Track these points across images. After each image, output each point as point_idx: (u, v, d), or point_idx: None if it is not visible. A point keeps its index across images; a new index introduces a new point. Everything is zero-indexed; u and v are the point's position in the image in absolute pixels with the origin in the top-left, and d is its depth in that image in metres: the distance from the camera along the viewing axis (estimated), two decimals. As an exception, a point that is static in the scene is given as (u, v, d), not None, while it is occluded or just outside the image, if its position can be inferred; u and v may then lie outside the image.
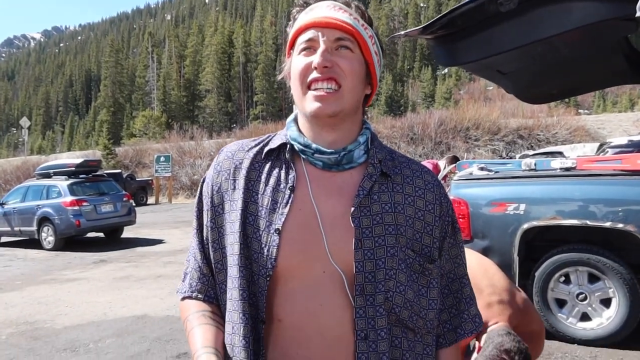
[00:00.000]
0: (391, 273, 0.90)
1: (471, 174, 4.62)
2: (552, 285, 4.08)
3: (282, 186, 0.95)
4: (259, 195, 0.96)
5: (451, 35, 1.57)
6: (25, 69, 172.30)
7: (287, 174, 0.96)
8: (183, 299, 1.03)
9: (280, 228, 0.91)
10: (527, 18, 1.46)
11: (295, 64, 0.95)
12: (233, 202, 0.97)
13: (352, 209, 0.91)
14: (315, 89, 0.92)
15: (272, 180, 0.96)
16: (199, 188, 1.06)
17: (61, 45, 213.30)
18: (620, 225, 3.77)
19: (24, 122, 34.57)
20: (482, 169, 4.65)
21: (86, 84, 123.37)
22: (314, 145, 0.95)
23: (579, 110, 39.70)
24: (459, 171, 5.05)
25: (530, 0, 1.42)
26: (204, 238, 1.02)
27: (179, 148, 26.75)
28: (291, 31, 0.98)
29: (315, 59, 0.91)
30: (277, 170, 0.98)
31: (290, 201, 0.93)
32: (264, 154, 1.00)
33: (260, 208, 0.94)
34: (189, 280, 1.03)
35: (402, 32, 1.66)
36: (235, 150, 1.03)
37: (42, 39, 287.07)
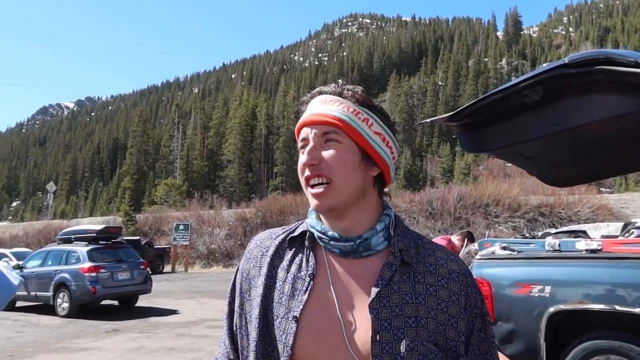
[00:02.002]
0: None
1: (494, 253, 4.54)
2: (583, 374, 3.86)
3: (302, 273, 0.96)
4: (281, 282, 0.97)
5: (476, 123, 1.63)
6: (56, 136, 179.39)
7: (307, 261, 0.97)
8: None
9: (297, 315, 0.91)
10: (551, 109, 1.51)
11: (298, 162, 1.00)
12: (257, 289, 0.99)
13: (370, 299, 0.90)
14: (312, 186, 0.95)
15: (293, 268, 0.98)
16: (234, 275, 1.09)
17: (92, 114, 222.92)
18: (651, 312, 3.62)
19: (50, 186, 35.58)
20: (504, 248, 4.57)
21: (113, 152, 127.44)
22: (330, 233, 0.96)
23: (601, 189, 39.32)
24: (481, 249, 4.98)
25: (554, 92, 1.48)
26: (234, 324, 1.03)
27: (198, 217, 26.97)
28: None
29: (303, 158, 0.96)
30: (299, 257, 0.99)
31: (309, 288, 0.93)
32: (287, 241, 1.02)
33: (281, 295, 0.95)
34: None
35: (429, 120, 1.73)
36: (264, 238, 1.06)
37: (75, 108, 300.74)
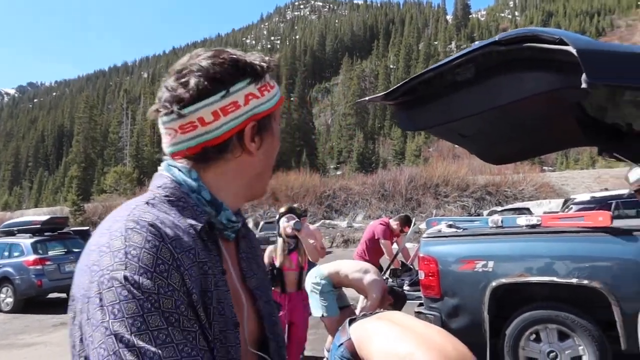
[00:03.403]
0: (277, 327, 0.93)
1: (440, 231, 4.67)
2: (523, 343, 4.06)
3: (217, 270, 0.80)
4: (212, 285, 0.78)
5: (412, 101, 1.64)
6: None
7: (217, 254, 0.82)
8: None
9: (238, 321, 0.79)
10: (483, 86, 1.54)
11: (276, 140, 0.92)
12: (188, 298, 0.72)
13: (242, 271, 0.90)
14: None
15: (211, 265, 0.79)
16: (155, 279, 0.69)
17: (35, 100, 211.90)
18: (586, 282, 3.83)
19: (-10, 177, 33.72)
20: (450, 226, 4.71)
21: (58, 140, 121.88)
22: (234, 217, 0.87)
23: (544, 168, 41.14)
24: (428, 228, 5.11)
25: (486, 71, 1.51)
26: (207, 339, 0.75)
27: (150, 204, 26.30)
28: (274, 97, 0.90)
29: (277, 142, 0.93)
30: (208, 251, 0.80)
31: (226, 285, 0.81)
32: (197, 232, 0.80)
33: (218, 301, 0.77)
34: None
35: (367, 98, 1.73)
36: (168, 226, 0.76)
37: (16, 95, 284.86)
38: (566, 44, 1.25)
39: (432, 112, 1.64)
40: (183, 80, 0.84)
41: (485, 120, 1.97)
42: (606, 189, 14.19)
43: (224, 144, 0.85)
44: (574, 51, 1.21)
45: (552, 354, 3.98)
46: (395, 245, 6.47)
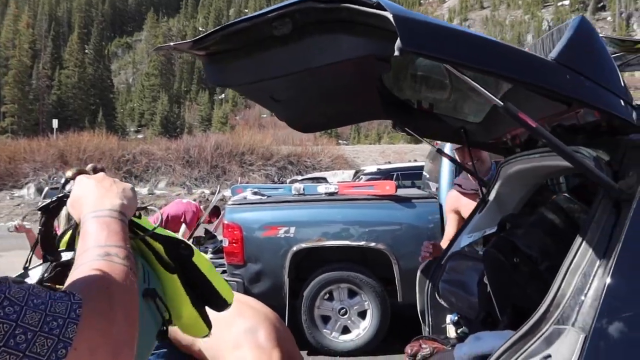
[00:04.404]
0: None
1: (245, 198, 4.66)
2: (318, 303, 4.32)
3: None
4: None
5: (224, 53, 1.50)
6: None
7: None
8: None
9: None
10: (299, 45, 1.47)
11: None
12: None
13: None
14: None
15: None
16: None
17: None
18: (373, 244, 4.23)
19: None
20: (255, 193, 4.73)
21: None
22: None
23: (339, 141, 44.88)
24: (233, 195, 5.06)
25: (303, 28, 1.43)
26: None
27: None
28: None
29: None
30: None
31: None
32: None
33: None
34: None
35: (172, 44, 1.52)
36: None
37: None
38: (384, 9, 1.23)
39: (245, 67, 1.52)
40: None
41: (297, 85, 1.93)
42: (389, 162, 16.08)
43: None
44: (390, 17, 1.19)
45: (342, 310, 4.33)
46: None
